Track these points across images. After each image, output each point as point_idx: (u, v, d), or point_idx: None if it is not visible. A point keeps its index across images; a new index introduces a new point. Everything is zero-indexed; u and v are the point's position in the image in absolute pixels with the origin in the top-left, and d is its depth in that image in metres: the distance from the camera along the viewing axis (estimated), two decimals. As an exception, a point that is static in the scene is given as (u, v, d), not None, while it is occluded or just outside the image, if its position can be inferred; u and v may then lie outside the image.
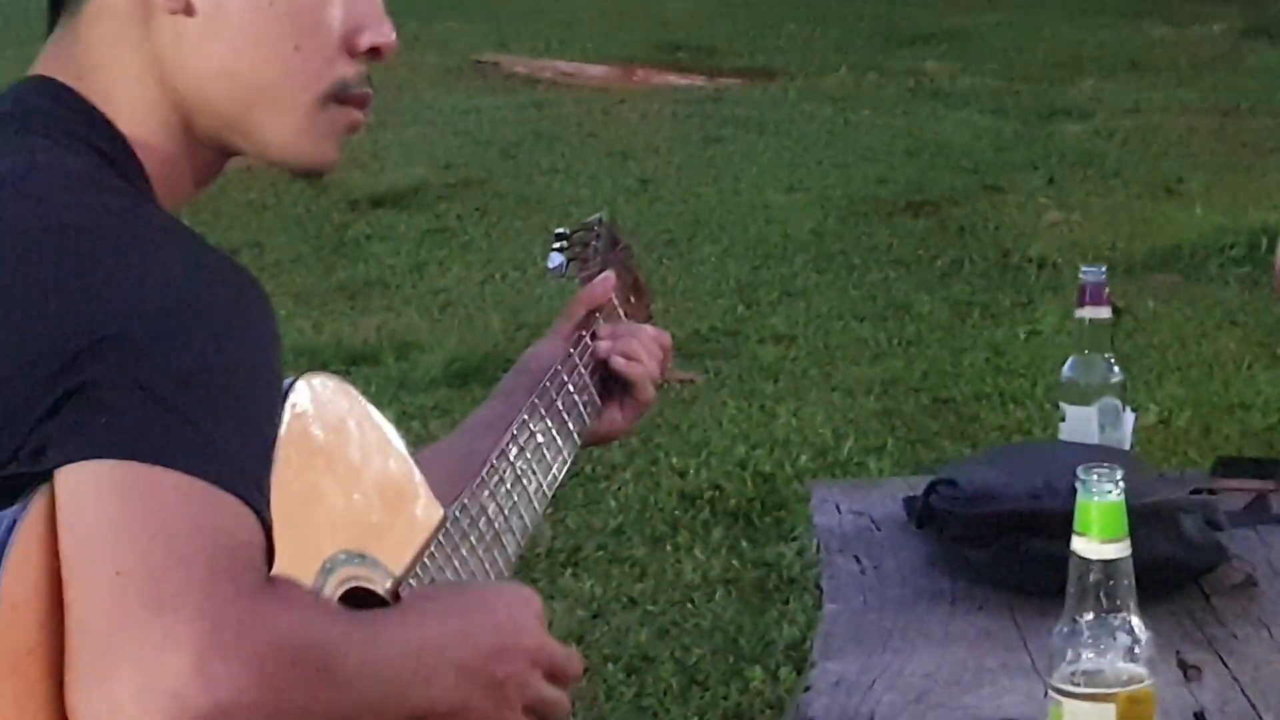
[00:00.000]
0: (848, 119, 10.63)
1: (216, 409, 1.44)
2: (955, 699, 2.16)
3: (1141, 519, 2.33)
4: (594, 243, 2.27)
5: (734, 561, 4.58)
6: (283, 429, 1.62)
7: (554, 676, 1.69)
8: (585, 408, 2.10)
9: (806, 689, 2.22)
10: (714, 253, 7.80)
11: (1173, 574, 2.39)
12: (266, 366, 1.54)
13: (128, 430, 1.38)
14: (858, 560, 2.62)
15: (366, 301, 7.12)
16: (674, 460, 5.36)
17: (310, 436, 1.70)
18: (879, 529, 2.73)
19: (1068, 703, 1.76)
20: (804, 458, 5.32)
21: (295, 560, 1.58)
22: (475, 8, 15.31)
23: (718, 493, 5.11)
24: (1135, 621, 1.78)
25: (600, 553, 4.76)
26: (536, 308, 7.03)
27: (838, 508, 2.83)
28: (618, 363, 2.17)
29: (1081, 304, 2.79)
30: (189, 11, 1.64)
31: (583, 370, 2.12)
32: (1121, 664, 1.76)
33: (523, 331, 6.67)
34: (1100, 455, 2.66)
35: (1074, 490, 2.42)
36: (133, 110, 1.66)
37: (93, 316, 1.44)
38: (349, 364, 6.25)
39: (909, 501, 2.70)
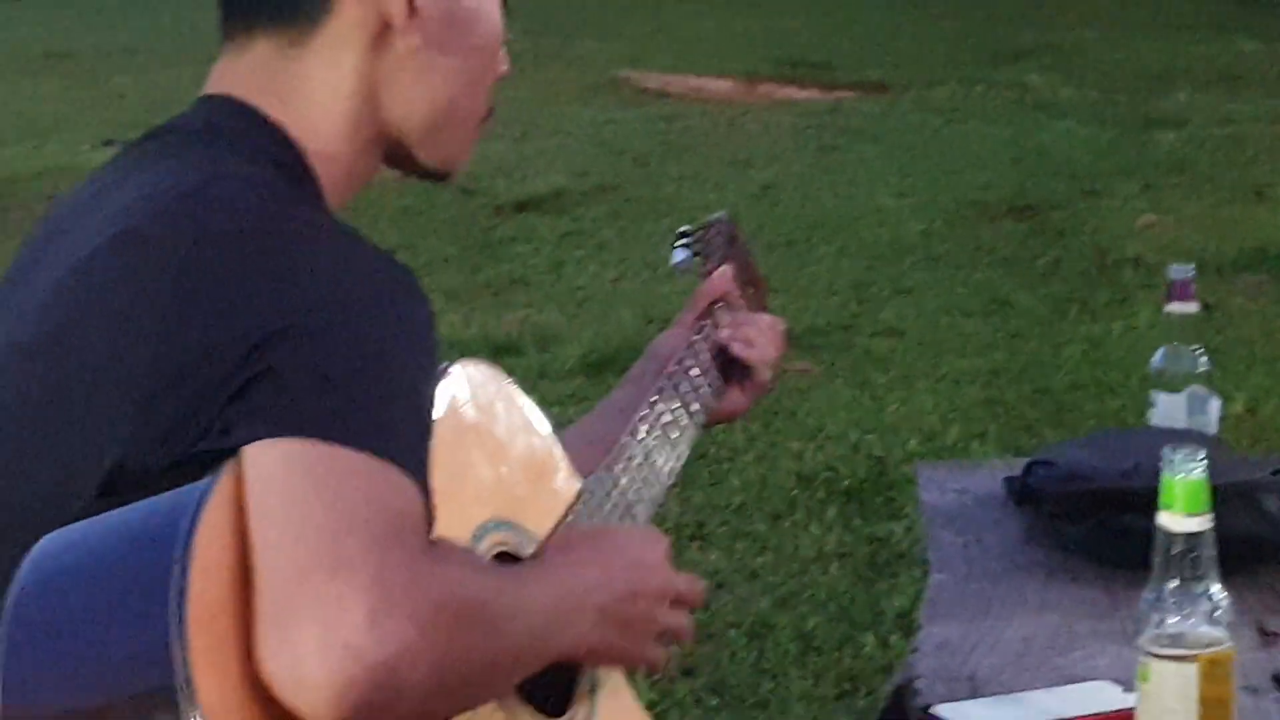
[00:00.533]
0: (955, 129, 10.56)
1: (382, 390, 1.49)
2: (1049, 661, 2.17)
3: (1224, 497, 2.34)
4: (714, 240, 2.29)
5: (847, 537, 4.60)
6: (439, 409, 1.67)
7: (679, 604, 1.77)
8: (708, 389, 2.13)
9: (914, 650, 2.26)
10: (829, 253, 7.79)
11: (1254, 549, 2.38)
12: (424, 351, 1.59)
13: (305, 412, 1.43)
14: (959, 534, 2.63)
15: (510, 298, 7.15)
16: (792, 444, 5.37)
17: (463, 416, 1.75)
18: (980, 506, 2.72)
19: (1154, 663, 1.76)
20: (912, 442, 5.34)
21: (450, 527, 1.62)
22: (612, 28, 15.34)
23: (832, 474, 5.12)
24: (1216, 589, 1.78)
25: (724, 528, 4.77)
26: (665, 303, 7.03)
27: (942, 487, 2.84)
28: (736, 347, 2.18)
29: (1170, 299, 2.79)
30: (418, 45, 1.73)
31: (705, 355, 2.14)
32: (1203, 628, 1.76)
33: (652, 325, 6.69)
34: (1187, 439, 2.68)
35: (1150, 471, 2.47)
36: (326, 125, 1.73)
37: (271, 310, 1.49)
38: (494, 355, 6.15)
39: (1009, 481, 2.70)
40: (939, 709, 2.02)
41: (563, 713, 1.76)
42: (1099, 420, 5.63)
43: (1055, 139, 10.25)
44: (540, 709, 1.71)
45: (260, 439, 1.41)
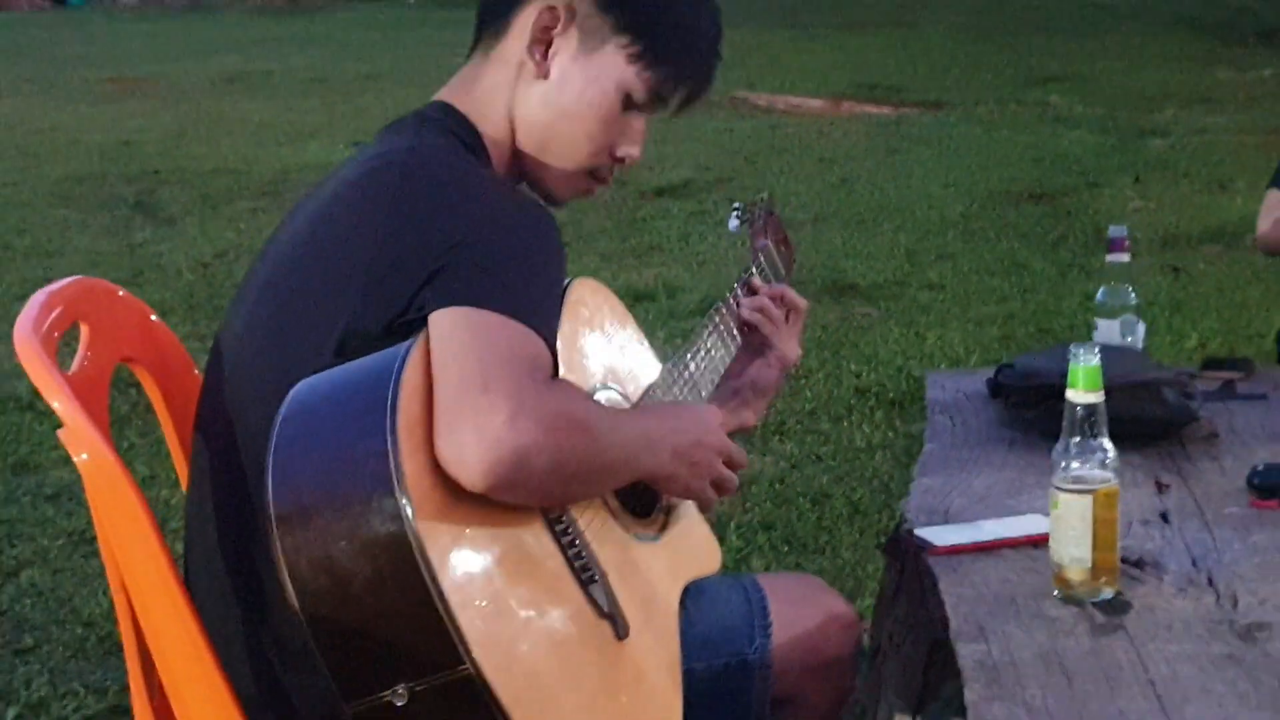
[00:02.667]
0: (992, 136, 10.47)
1: (522, 280, 1.60)
2: (1003, 502, 2.23)
3: (1135, 390, 2.47)
4: (758, 213, 2.30)
5: (890, 434, 4.65)
6: (569, 304, 1.81)
7: (730, 464, 1.82)
8: (736, 321, 2.13)
9: (908, 495, 2.32)
10: (890, 229, 7.78)
11: (1157, 427, 2.46)
12: (554, 261, 1.69)
13: (469, 291, 1.55)
14: (951, 418, 2.70)
15: (648, 260, 7.20)
16: (852, 366, 5.41)
17: (581, 310, 1.87)
18: (969, 400, 2.79)
19: (1061, 496, 1.85)
20: (943, 366, 5.35)
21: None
22: (734, 59, 15.30)
23: (881, 388, 5.16)
24: (1107, 444, 1.86)
25: (798, 426, 4.82)
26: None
27: (944, 387, 2.91)
28: (745, 312, 2.13)
29: (1110, 251, 2.88)
30: (545, 78, 1.81)
31: (734, 302, 2.14)
32: (1097, 471, 1.84)
33: (754, 280, 6.81)
34: (1124, 353, 2.74)
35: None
36: (495, 124, 1.83)
37: (450, 229, 1.62)
38: (635, 301, 6.29)
39: (989, 382, 2.77)
40: (919, 531, 2.10)
41: (648, 515, 1.86)
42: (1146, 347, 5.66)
43: (1068, 144, 10.15)
44: (632, 512, 1.81)
45: (440, 308, 1.55)
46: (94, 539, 3.05)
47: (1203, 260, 7.08)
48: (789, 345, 2.13)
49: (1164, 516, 2.18)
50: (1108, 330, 2.83)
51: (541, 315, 1.60)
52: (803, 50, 15.74)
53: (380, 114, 11.84)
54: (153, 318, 1.97)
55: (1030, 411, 2.54)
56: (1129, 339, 2.81)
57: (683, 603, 1.86)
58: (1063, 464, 1.87)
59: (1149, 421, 2.45)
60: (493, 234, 1.64)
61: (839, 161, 9.54)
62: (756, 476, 4.34)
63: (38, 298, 1.77)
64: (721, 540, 3.85)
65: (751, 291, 2.14)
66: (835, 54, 15.36)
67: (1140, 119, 11.15)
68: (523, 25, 1.81)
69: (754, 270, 2.19)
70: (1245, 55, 14.25)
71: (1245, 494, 2.24)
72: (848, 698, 2.04)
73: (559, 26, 1.80)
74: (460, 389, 1.48)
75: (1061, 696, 1.64)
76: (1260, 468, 2.26)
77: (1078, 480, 1.86)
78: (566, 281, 1.85)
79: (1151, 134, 10.55)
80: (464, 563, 1.47)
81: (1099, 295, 2.86)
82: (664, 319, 5.98)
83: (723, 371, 2.06)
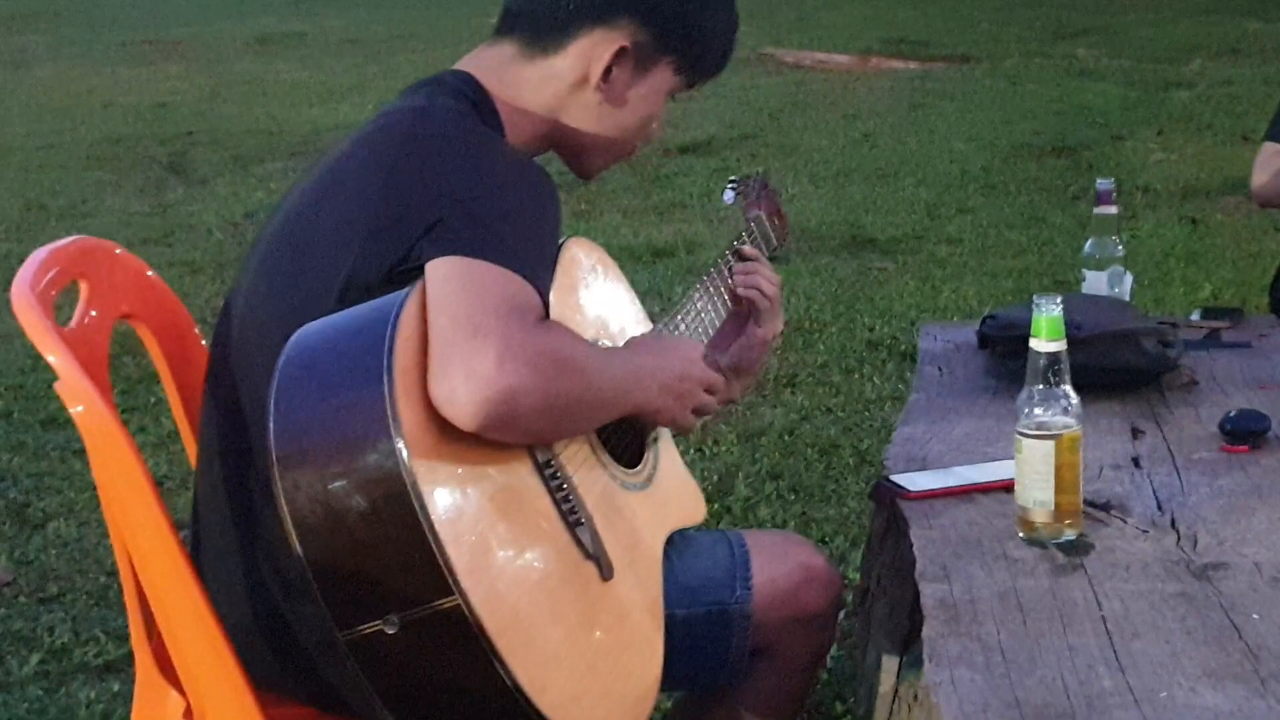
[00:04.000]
0: (1017, 90, 10.41)
1: (515, 234, 1.66)
2: (980, 449, 2.27)
3: (1114, 340, 2.51)
4: (753, 187, 2.34)
5: (900, 386, 4.64)
6: (562, 261, 1.85)
7: (709, 391, 1.88)
8: (726, 288, 2.14)
9: (890, 443, 2.36)
10: (911, 183, 7.76)
11: (1134, 375, 2.49)
12: (550, 219, 1.76)
13: (463, 242, 1.61)
14: (939, 369, 2.73)
15: (670, 216, 7.19)
16: (866, 319, 5.41)
17: (575, 268, 1.91)
18: (958, 351, 2.82)
19: (1025, 441, 1.89)
20: (955, 319, 5.31)
21: None
22: (761, 14, 15.24)
23: (894, 341, 5.15)
24: (1070, 390, 1.89)
25: (810, 378, 4.83)
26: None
27: (936, 338, 2.95)
28: (737, 281, 2.14)
29: (1098, 204, 2.91)
30: (599, 99, 1.88)
31: (726, 272, 2.15)
32: (1059, 418, 1.88)
33: (773, 235, 6.83)
34: (1107, 304, 2.79)
35: (1073, 323, 2.59)
36: (522, 113, 1.89)
37: (450, 184, 1.68)
38: (655, 257, 6.35)
39: (977, 333, 2.80)
40: (895, 477, 2.15)
41: (635, 465, 1.91)
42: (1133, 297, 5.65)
43: (1093, 98, 10.09)
44: (620, 462, 1.86)
45: (436, 258, 1.60)
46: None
47: (1221, 211, 7.05)
48: (773, 321, 2.16)
49: (1135, 461, 2.22)
50: (1095, 282, 2.87)
51: (533, 267, 1.66)
52: (832, 6, 15.65)
53: (411, 74, 11.77)
54: (149, 274, 2.03)
55: (1013, 361, 2.52)
56: (1116, 290, 2.85)
57: (668, 551, 1.91)
58: (1026, 410, 1.91)
59: (1127, 370, 2.49)
60: (490, 190, 1.69)
61: (862, 117, 9.50)
62: (766, 428, 4.39)
63: (36, 256, 1.84)
64: (729, 490, 3.95)
65: (742, 258, 2.17)
66: (864, 9, 15.26)
67: (1166, 71, 11.07)
68: (582, 51, 1.88)
69: (744, 239, 2.23)
70: (1276, 7, 14.06)
71: (1218, 439, 2.28)
72: (825, 651, 2.10)
73: (626, 59, 1.88)
74: (452, 333, 1.53)
75: (1016, 633, 1.70)
76: (1232, 414, 2.30)
77: (1041, 426, 1.90)
78: (561, 240, 1.90)
79: (1177, 86, 10.47)
80: (454, 500, 1.53)
81: (1086, 247, 2.90)
82: (682, 274, 6.00)
83: (711, 332, 2.09)
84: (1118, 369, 2.48)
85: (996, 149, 8.54)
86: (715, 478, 4.04)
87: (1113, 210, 2.87)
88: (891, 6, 15.67)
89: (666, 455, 2.00)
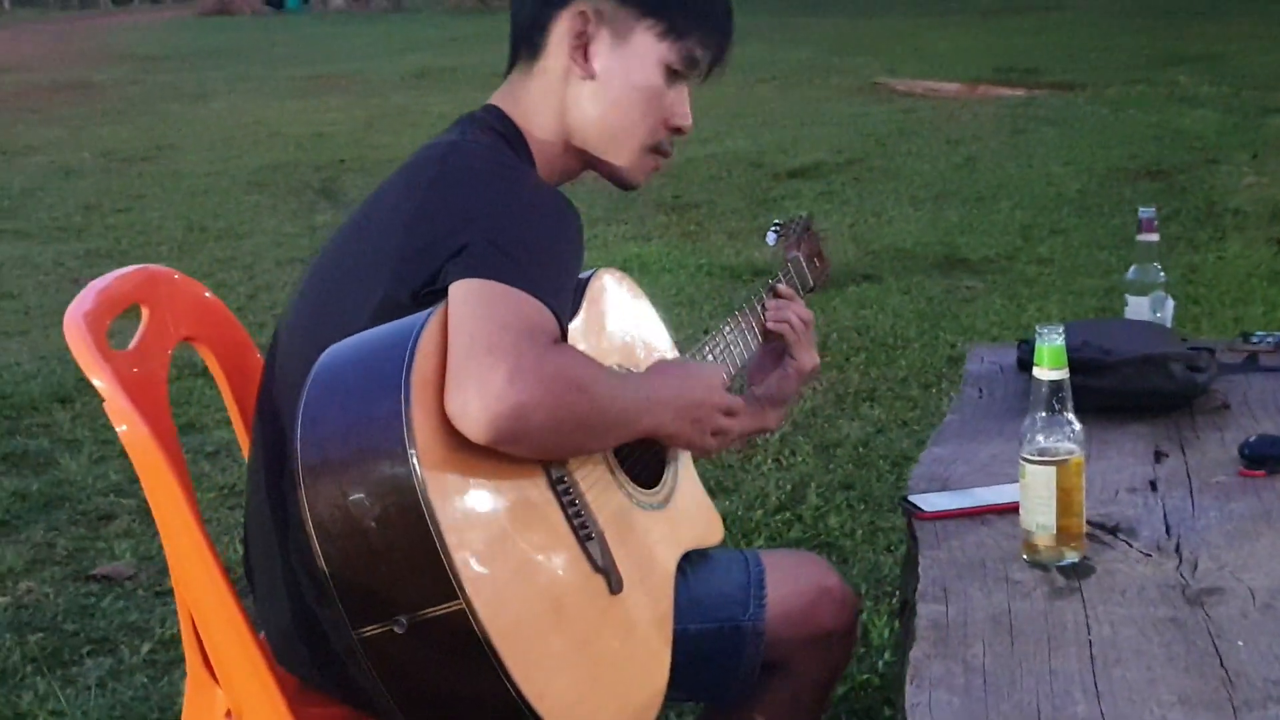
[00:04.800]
0: (1117, 115, 10.21)
1: (536, 261, 1.62)
2: (1004, 471, 2.12)
3: (1143, 364, 2.41)
4: (793, 230, 2.27)
5: None
6: (591, 290, 1.83)
7: (730, 415, 1.83)
8: (758, 322, 2.09)
9: (917, 464, 2.27)
10: (1007, 206, 7.63)
11: (1162, 399, 2.39)
12: (571, 249, 1.72)
13: (487, 266, 1.58)
14: (980, 390, 2.64)
15: None
16: (949, 337, 5.30)
17: (603, 298, 1.88)
18: (1002, 373, 2.72)
19: (1029, 466, 1.81)
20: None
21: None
22: (880, 47, 15.14)
23: None
24: (1072, 418, 1.82)
25: (889, 393, 4.74)
26: (880, 239, 7.02)
27: (982, 360, 2.84)
28: (770, 322, 2.08)
29: (1140, 232, 2.81)
30: (591, 79, 1.83)
31: (759, 307, 2.10)
32: (1063, 444, 1.80)
33: (868, 255, 6.73)
34: (1146, 328, 2.68)
35: (1103, 348, 2.49)
36: (544, 128, 1.85)
37: (476, 212, 1.66)
38: (751, 275, 6.28)
39: (1018, 356, 2.69)
40: (912, 497, 2.06)
41: (654, 485, 1.86)
42: (1180, 323, 5.46)
43: (1191, 123, 9.86)
44: (638, 482, 1.82)
45: (459, 280, 1.57)
46: (242, 493, 3.15)
47: (1313, 233, 6.82)
48: (806, 354, 2.09)
49: (1153, 485, 2.12)
50: (1138, 307, 2.76)
51: (552, 292, 1.62)
52: (946, 36, 15.50)
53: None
54: (206, 295, 2.02)
55: (1047, 384, 2.47)
56: (1158, 314, 2.74)
57: (684, 568, 1.87)
58: (1029, 436, 1.84)
59: (1154, 394, 2.38)
60: (514, 218, 1.67)
61: (965, 142, 9.37)
62: (842, 440, 4.31)
63: (94, 285, 1.83)
64: (801, 499, 3.88)
65: (776, 295, 2.12)
66: (977, 38, 15.10)
67: (1265, 98, 10.77)
68: (559, 37, 1.84)
69: (781, 278, 2.18)
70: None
71: (1238, 464, 2.17)
72: (841, 669, 2.03)
73: (591, 28, 1.82)
74: (468, 350, 1.51)
75: (1001, 655, 1.62)
76: (1253, 438, 2.19)
77: (1043, 452, 1.82)
78: (590, 272, 1.88)
79: (1275, 112, 10.16)
80: (464, 509, 1.50)
81: (1129, 273, 2.79)
82: (778, 293, 5.93)
83: (740, 365, 2.04)
84: (1145, 393, 2.38)
85: (1093, 172, 8.36)
86: (789, 487, 3.97)
87: (1154, 238, 2.76)
88: (1005, 36, 15.48)
89: (685, 477, 1.95)
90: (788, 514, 3.79)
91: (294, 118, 11.82)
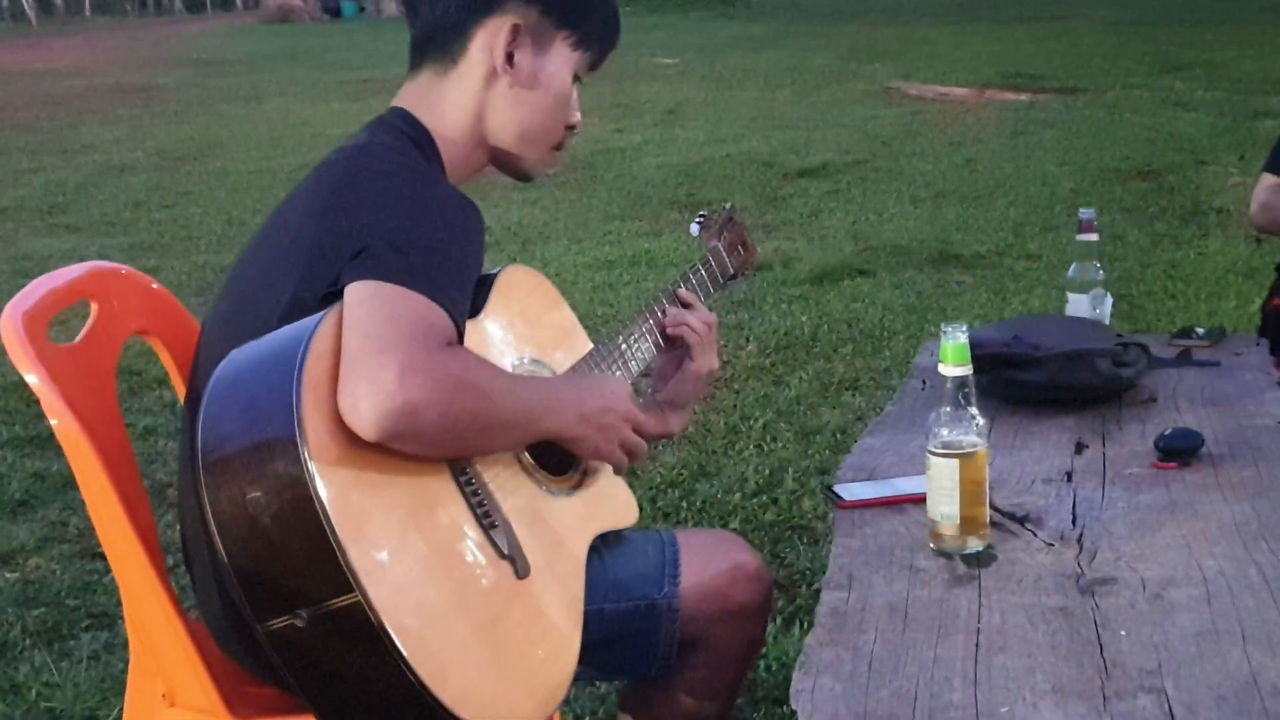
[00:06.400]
0: (1114, 118, 10.08)
1: (433, 263, 1.57)
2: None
3: (1070, 360, 2.36)
4: (717, 221, 2.21)
5: None
6: (499, 286, 1.78)
7: (639, 431, 1.76)
8: (658, 325, 2.01)
9: (848, 453, 2.22)
10: (1003, 204, 7.54)
11: (1088, 393, 2.34)
12: (472, 250, 1.67)
13: (383, 268, 1.53)
14: (924, 383, 2.58)
15: (776, 233, 7.04)
16: (933, 329, 5.12)
17: (513, 294, 1.82)
18: None
19: (933, 459, 1.77)
20: None
21: (498, 359, 1.73)
22: (895, 53, 15.00)
23: None
24: (976, 413, 1.77)
25: (871, 382, 4.68)
26: (878, 236, 6.94)
27: (931, 353, 2.77)
28: (668, 321, 2.01)
29: (1080, 232, 2.74)
30: (518, 85, 1.80)
31: (660, 310, 2.02)
32: (966, 437, 1.75)
33: (866, 251, 6.65)
34: (1081, 325, 2.61)
35: (1033, 344, 2.43)
36: (455, 127, 1.81)
37: (376, 215, 1.61)
38: (756, 271, 6.23)
39: None
40: (836, 486, 2.02)
41: (566, 473, 1.81)
42: (1156, 316, 5.41)
43: (1184, 126, 9.73)
44: (550, 471, 1.76)
45: (355, 281, 1.53)
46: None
47: (1287, 231, 6.68)
48: (705, 358, 2.02)
49: (1068, 475, 2.07)
50: (1078, 304, 2.70)
51: (448, 293, 1.57)
52: (960, 43, 15.34)
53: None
54: (154, 286, 1.98)
55: (980, 376, 2.40)
56: (1097, 311, 2.68)
57: (601, 551, 1.83)
58: (935, 430, 1.79)
59: (1081, 389, 2.33)
60: (413, 220, 1.62)
61: (967, 144, 9.27)
62: (822, 427, 4.25)
63: (38, 282, 1.80)
64: (778, 483, 3.82)
65: (679, 301, 2.05)
66: (989, 45, 14.93)
67: (1257, 102, 10.61)
68: (482, 44, 1.80)
69: (690, 277, 2.10)
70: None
71: (1154, 456, 2.11)
72: (757, 642, 1.99)
73: (520, 38, 1.80)
74: (360, 349, 1.47)
75: (891, 642, 1.57)
76: (1167, 431, 2.13)
77: (948, 445, 1.77)
78: (499, 269, 1.83)
79: (1265, 115, 10.01)
80: (359, 504, 1.46)
81: (1070, 272, 2.72)
82: (775, 286, 5.90)
83: (641, 369, 1.97)
84: (1071, 387, 2.32)
85: (1086, 173, 8.25)
86: (768, 471, 3.92)
87: (1094, 237, 2.68)
88: (1015, 43, 15.31)
89: (598, 465, 1.89)
90: (764, 497, 3.74)
91: (339, 119, 11.79)
